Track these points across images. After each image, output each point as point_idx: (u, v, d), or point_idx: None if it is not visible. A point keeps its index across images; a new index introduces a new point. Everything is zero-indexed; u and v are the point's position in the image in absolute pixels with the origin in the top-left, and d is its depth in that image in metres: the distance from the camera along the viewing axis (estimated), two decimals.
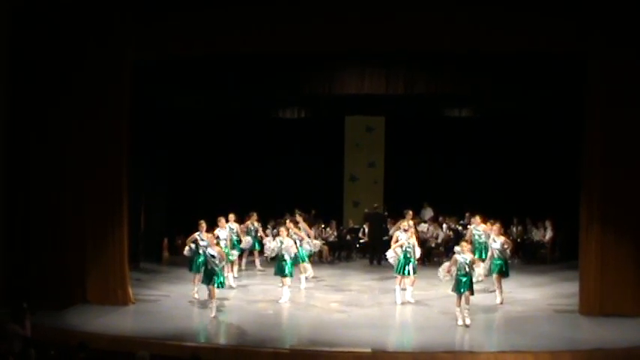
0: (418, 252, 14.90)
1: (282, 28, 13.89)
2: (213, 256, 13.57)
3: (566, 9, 13.34)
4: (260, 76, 16.43)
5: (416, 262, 14.77)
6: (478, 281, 14.64)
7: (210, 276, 13.52)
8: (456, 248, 13.91)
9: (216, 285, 13.51)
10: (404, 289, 14.72)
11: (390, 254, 14.93)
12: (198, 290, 14.70)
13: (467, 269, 12.84)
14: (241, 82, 16.70)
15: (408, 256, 14.54)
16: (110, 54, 14.15)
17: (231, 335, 13.04)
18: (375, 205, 20.62)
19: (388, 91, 16.65)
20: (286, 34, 13.90)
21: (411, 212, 17.03)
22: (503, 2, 13.53)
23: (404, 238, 14.69)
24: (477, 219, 16.31)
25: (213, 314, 13.47)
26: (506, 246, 14.67)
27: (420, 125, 21.79)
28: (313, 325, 13.33)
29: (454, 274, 12.96)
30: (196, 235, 14.88)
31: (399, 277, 14.69)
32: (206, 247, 14.05)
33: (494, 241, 14.72)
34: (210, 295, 13.54)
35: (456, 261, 12.96)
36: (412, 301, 14.58)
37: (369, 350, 11.50)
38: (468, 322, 12.77)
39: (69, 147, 14.27)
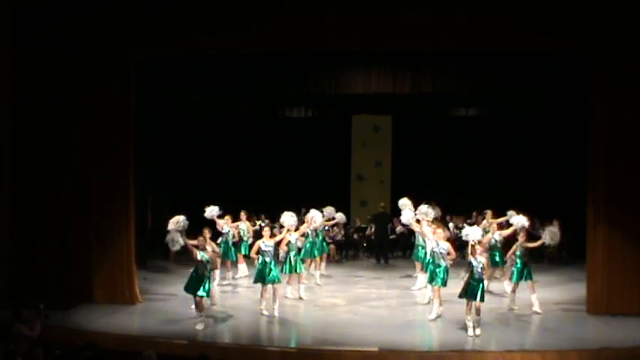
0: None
1: (286, 28, 13.89)
2: (207, 261, 12.76)
3: (568, 8, 13.32)
4: (266, 75, 16.50)
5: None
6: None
7: (197, 284, 12.67)
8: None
9: (203, 294, 12.73)
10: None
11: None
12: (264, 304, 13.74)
13: (480, 274, 12.24)
14: (247, 82, 16.77)
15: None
16: (112, 54, 14.18)
17: (238, 334, 13.04)
18: (381, 204, 20.61)
19: (395, 90, 16.67)
20: (290, 33, 13.90)
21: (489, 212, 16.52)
22: (506, 2, 13.52)
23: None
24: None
25: (201, 327, 12.64)
26: (450, 254, 13.33)
27: (427, 124, 21.81)
28: (320, 324, 13.31)
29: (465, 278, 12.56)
30: (259, 243, 13.70)
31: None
32: (271, 252, 13.48)
33: (438, 246, 13.39)
34: (199, 307, 12.75)
35: (469, 264, 12.41)
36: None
37: (375, 349, 11.50)
38: (477, 332, 12.16)
39: (74, 147, 14.32)
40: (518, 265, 13.85)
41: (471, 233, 12.74)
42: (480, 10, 13.47)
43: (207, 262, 12.87)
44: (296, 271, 14.77)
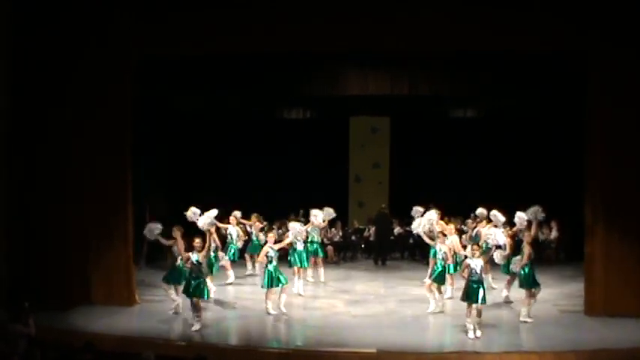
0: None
1: (284, 28, 13.86)
2: (199, 263, 12.76)
3: (566, 8, 13.32)
4: (264, 76, 16.45)
5: None
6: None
7: (195, 287, 12.73)
8: (467, 252, 12.85)
9: (204, 296, 12.88)
10: None
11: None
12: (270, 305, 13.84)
13: (479, 276, 12.21)
14: (245, 83, 16.72)
15: None
16: (110, 54, 14.17)
17: (236, 335, 13.04)
18: (382, 205, 20.62)
19: (393, 91, 16.67)
20: (289, 34, 13.87)
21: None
22: (504, 2, 13.53)
23: None
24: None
25: (197, 327, 12.67)
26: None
27: (425, 126, 21.79)
28: (318, 325, 13.32)
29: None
30: (267, 248, 13.87)
31: None
32: (275, 257, 13.75)
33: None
34: (196, 308, 12.78)
35: (468, 266, 12.34)
36: None
37: (373, 351, 11.50)
38: (478, 334, 12.13)
39: (71, 147, 14.29)
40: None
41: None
42: (478, 10, 13.45)
43: (199, 263, 12.81)
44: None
